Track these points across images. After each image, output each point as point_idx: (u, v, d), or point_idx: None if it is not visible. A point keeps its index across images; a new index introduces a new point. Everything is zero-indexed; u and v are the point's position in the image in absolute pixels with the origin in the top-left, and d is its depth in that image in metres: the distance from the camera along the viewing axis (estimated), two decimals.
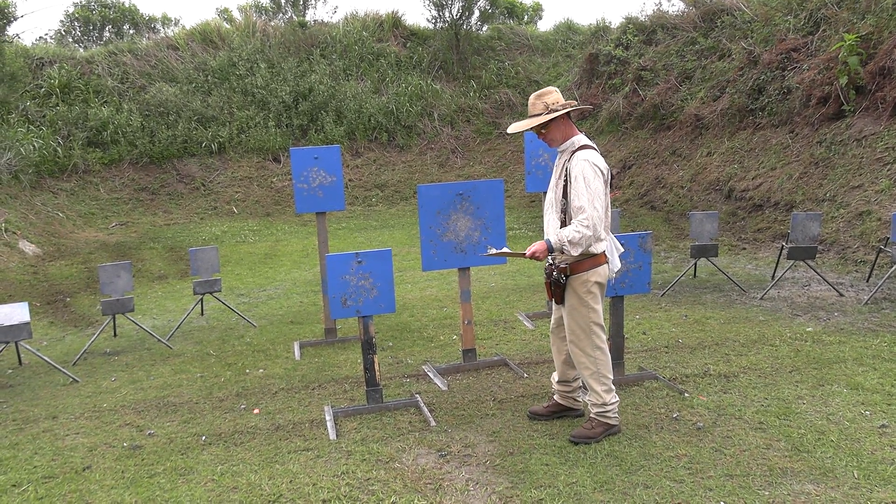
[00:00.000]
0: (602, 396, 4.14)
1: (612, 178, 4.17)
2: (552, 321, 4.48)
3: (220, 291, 7.69)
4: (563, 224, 4.03)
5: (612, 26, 18.12)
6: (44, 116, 15.93)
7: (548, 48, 20.05)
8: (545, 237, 4.09)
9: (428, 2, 19.57)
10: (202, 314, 8.21)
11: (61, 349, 7.12)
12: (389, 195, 15.98)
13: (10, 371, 6.54)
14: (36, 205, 13.62)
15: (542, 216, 4.30)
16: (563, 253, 3.97)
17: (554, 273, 4.07)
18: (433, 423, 4.59)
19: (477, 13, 20.08)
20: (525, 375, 5.42)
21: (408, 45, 19.79)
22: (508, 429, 4.44)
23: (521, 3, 24.00)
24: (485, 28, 20.57)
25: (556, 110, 4.00)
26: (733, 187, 11.07)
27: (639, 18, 16.46)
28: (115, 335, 7.51)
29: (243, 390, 5.52)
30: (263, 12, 21.48)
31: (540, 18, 25.00)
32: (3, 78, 15.41)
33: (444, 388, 5.27)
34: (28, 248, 11.37)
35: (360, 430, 4.57)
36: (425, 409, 4.78)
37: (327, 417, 4.77)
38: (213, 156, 16.53)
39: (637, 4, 41.33)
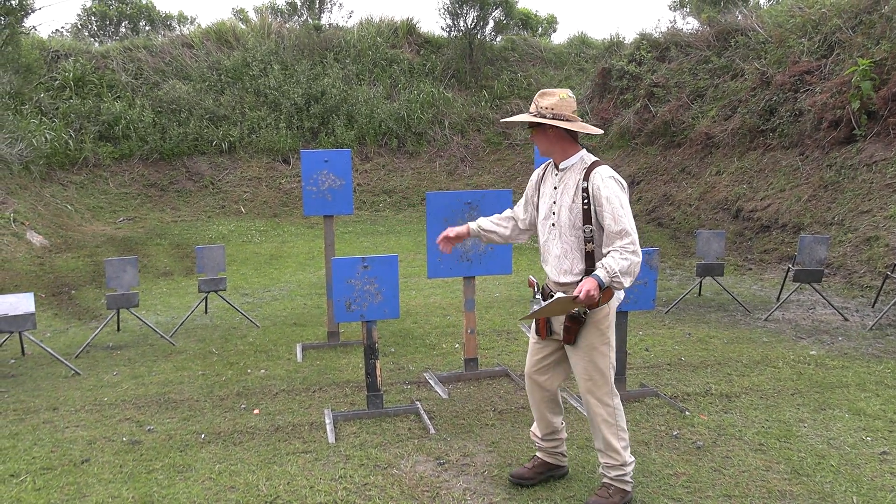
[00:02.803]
0: (622, 455, 3.51)
1: None
2: (532, 362, 3.76)
3: (224, 290, 7.71)
4: (591, 255, 3.41)
5: (625, 42, 18.17)
6: (57, 109, 16.01)
7: (561, 61, 20.09)
8: (554, 262, 3.53)
9: (443, 10, 19.65)
10: (206, 312, 8.23)
11: (64, 341, 7.14)
12: (397, 201, 16.01)
13: (13, 361, 6.56)
14: (45, 196, 13.68)
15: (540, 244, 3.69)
16: (615, 289, 3.34)
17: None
18: (432, 431, 4.59)
19: (492, 23, 20.14)
20: None
21: (421, 53, 19.85)
22: (508, 440, 4.44)
23: (535, 15, 24.07)
24: (499, 38, 20.63)
25: (544, 116, 3.41)
26: (741, 207, 11.06)
27: (653, 35, 16.49)
28: (118, 329, 7.53)
29: (244, 390, 5.53)
30: (279, 14, 21.58)
31: (554, 31, 25.07)
32: (19, 69, 15.49)
33: (445, 397, 5.27)
34: (36, 239, 11.41)
35: (360, 435, 4.57)
36: (425, 417, 4.78)
37: (327, 420, 4.77)
38: (223, 155, 16.58)
39: (651, 21, 41.43)
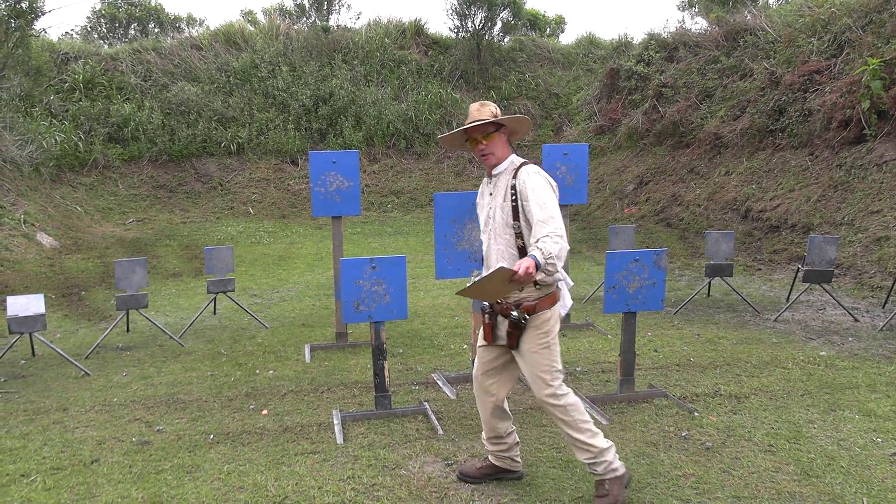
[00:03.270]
0: (593, 445, 3.51)
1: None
2: (479, 366, 3.78)
3: (233, 291, 7.73)
4: (523, 250, 3.49)
5: (634, 42, 18.13)
6: (66, 111, 16.10)
7: (569, 61, 20.07)
8: (495, 265, 3.54)
9: (451, 11, 19.66)
10: (215, 313, 8.25)
11: (74, 342, 7.18)
12: (405, 202, 16.02)
13: (23, 362, 6.60)
14: (55, 198, 13.75)
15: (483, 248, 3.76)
16: (547, 273, 3.27)
17: (513, 312, 3.46)
18: (440, 432, 4.58)
19: (499, 24, 20.14)
20: None
21: (429, 54, 19.86)
22: None
23: (543, 16, 24.05)
24: (507, 39, 20.62)
25: (501, 121, 3.60)
26: (750, 207, 11.02)
27: (661, 35, 16.45)
28: (127, 330, 7.56)
29: (253, 391, 5.54)
30: (287, 15, 21.63)
31: (562, 31, 25.04)
32: (29, 72, 15.59)
33: (453, 397, 5.27)
34: (46, 240, 11.47)
35: (368, 436, 4.57)
36: (433, 417, 4.78)
37: (335, 421, 4.78)
38: (231, 156, 16.63)
39: (660, 21, 41.33)
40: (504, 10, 19.78)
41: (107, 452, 4.45)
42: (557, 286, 3.59)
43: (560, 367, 3.56)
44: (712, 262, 7.78)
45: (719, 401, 5.02)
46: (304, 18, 21.45)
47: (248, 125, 17.02)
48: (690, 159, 13.42)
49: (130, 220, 14.27)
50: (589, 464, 3.56)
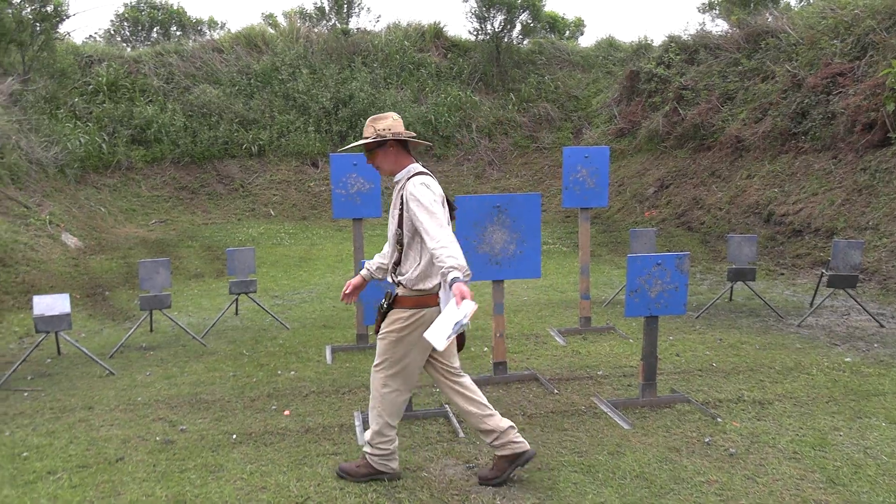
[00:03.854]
0: (370, 436, 3.92)
1: (451, 209, 3.90)
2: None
3: (255, 292, 7.78)
4: (401, 256, 3.78)
5: (654, 44, 18.05)
6: (90, 113, 16.27)
7: (588, 64, 20.02)
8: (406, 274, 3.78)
9: (470, 14, 19.69)
10: (237, 314, 8.31)
11: (99, 341, 7.26)
12: None
13: (49, 360, 6.68)
14: (79, 199, 13.90)
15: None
16: (418, 297, 3.71)
17: (384, 302, 3.86)
18: (462, 435, 4.59)
19: (519, 27, 20.13)
20: (556, 391, 5.40)
21: (448, 56, 19.89)
22: (537, 444, 4.42)
23: (563, 18, 24.01)
24: (526, 42, 20.61)
25: (384, 136, 3.72)
26: (773, 211, 10.93)
27: (681, 37, 16.37)
28: (151, 330, 7.63)
29: (274, 391, 5.57)
30: (307, 18, 21.73)
31: (581, 34, 24.99)
32: (54, 74, 15.81)
33: None
34: (70, 240, 11.61)
35: None
36: (454, 420, 4.78)
37: (357, 423, 4.80)
38: (252, 158, 16.75)
39: (680, 23, 41.12)
40: (523, 12, 19.79)
41: (131, 451, 4.50)
42: (436, 291, 3.76)
43: (401, 375, 3.83)
44: (734, 267, 7.73)
45: (742, 406, 4.99)
46: (324, 21, 21.55)
47: (268, 127, 17.13)
48: (712, 162, 13.34)
49: (153, 221, 14.41)
50: (363, 441, 4.00)
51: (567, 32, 23.97)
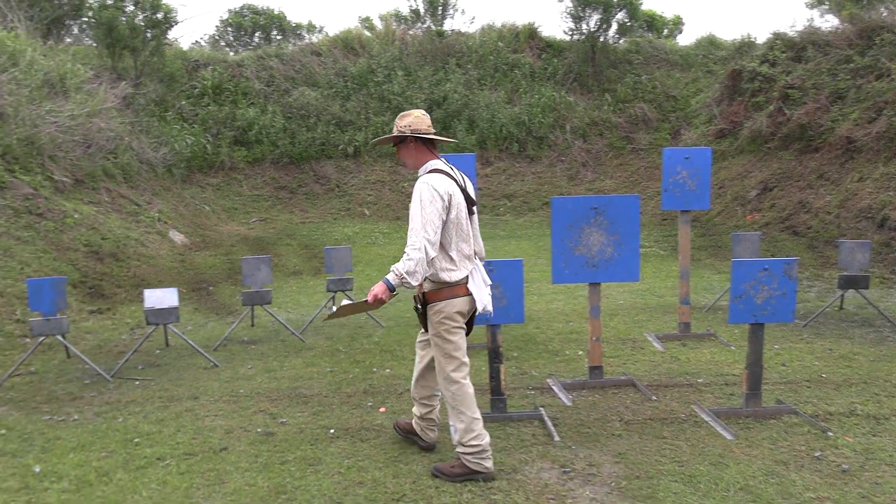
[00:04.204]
0: (460, 435, 3.98)
1: (471, 204, 4.04)
2: (419, 336, 4.39)
3: (351, 290, 7.92)
4: None
5: (757, 42, 17.38)
6: (196, 115, 16.98)
7: (687, 63, 19.46)
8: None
9: (565, 14, 19.46)
10: (334, 310, 8.47)
11: (204, 334, 7.55)
12: (517, 205, 15.98)
13: (158, 351, 7.00)
14: (185, 197, 14.53)
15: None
16: (408, 287, 3.77)
17: (417, 305, 4.02)
18: (557, 438, 4.53)
19: (615, 26, 19.77)
20: (654, 398, 5.27)
21: (543, 57, 19.74)
22: (635, 451, 4.32)
23: (661, 17, 23.42)
24: (622, 41, 20.22)
25: (404, 133, 3.94)
26: (888, 216, 10.33)
27: (787, 34, 15.68)
28: (252, 325, 7.89)
29: (370, 388, 5.66)
30: (403, 21, 22.02)
31: (680, 32, 24.31)
32: (163, 78, 16.58)
33: (569, 404, 5.20)
34: (177, 237, 12.14)
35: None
36: (549, 423, 4.73)
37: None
38: (348, 159, 17.09)
39: (786, 20, 39.48)
40: (620, 11, 19.41)
41: (234, 441, 4.65)
42: (467, 285, 3.95)
43: (456, 356, 3.96)
44: (846, 274, 7.34)
45: (856, 421, 4.73)
46: (419, 24, 21.77)
47: (364, 129, 17.43)
48: (819, 164, 12.72)
49: (254, 219, 14.90)
50: (454, 441, 4.04)
51: (665, 31, 23.36)
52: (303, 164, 16.85)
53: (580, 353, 6.51)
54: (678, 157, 6.88)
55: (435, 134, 4.06)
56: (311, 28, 25.90)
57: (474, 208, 4.11)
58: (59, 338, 6.34)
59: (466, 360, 4.02)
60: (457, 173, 4.07)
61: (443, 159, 4.07)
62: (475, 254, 4.09)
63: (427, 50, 19.31)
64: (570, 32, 19.67)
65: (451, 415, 4.02)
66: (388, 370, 6.14)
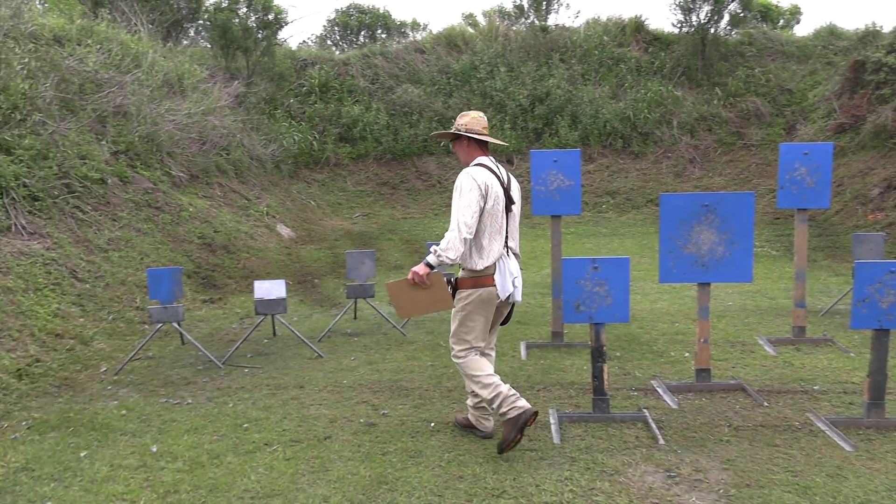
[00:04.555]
0: (480, 393, 4.24)
1: (508, 198, 4.31)
2: None
3: (373, 297, 7.86)
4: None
5: (883, 30, 16.35)
6: (303, 113, 17.48)
7: (805, 54, 18.52)
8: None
9: (674, 6, 18.87)
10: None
11: (309, 326, 7.76)
12: (620, 203, 15.65)
13: (266, 341, 7.24)
14: (292, 192, 14.99)
15: None
16: (452, 264, 4.16)
17: (451, 280, 4.32)
18: (661, 441, 4.41)
19: (727, 17, 19.03)
20: (765, 404, 5.04)
21: (649, 50, 19.24)
22: (745, 458, 4.15)
23: (776, 7, 22.37)
24: (734, 33, 19.44)
25: (459, 131, 4.34)
26: None
27: None
28: (355, 318, 8.05)
29: None
30: (507, 17, 21.92)
31: (797, 22, 23.14)
32: (273, 77, 17.16)
33: (675, 407, 5.04)
34: (284, 231, 12.54)
35: (585, 438, 4.50)
36: (653, 426, 4.60)
37: (552, 420, 4.75)
38: (450, 155, 17.18)
39: None
40: (732, 2, 18.67)
41: (338, 430, 4.75)
42: (493, 275, 4.22)
43: (467, 339, 4.28)
44: None
45: None
46: (523, 19, 21.62)
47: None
48: None
49: (357, 214, 15.21)
50: (484, 404, 4.44)
51: (781, 21, 22.30)
52: (405, 161, 17.06)
53: (686, 354, 6.31)
54: (796, 153, 6.55)
55: (489, 136, 4.42)
56: (415, 26, 26.17)
57: (513, 207, 4.39)
58: (175, 325, 6.65)
59: (479, 344, 4.32)
60: (502, 171, 4.40)
61: (491, 158, 4.41)
62: (509, 249, 4.35)
63: (530, 45, 19.17)
64: (679, 25, 19.07)
65: (468, 382, 4.35)
66: None
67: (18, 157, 7.96)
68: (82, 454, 4.45)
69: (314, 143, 16.68)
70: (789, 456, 4.17)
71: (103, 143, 9.81)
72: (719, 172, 16.00)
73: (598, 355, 4.74)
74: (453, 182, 14.99)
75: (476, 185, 4.14)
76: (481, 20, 21.88)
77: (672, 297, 8.64)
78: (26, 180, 7.86)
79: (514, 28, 20.47)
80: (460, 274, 4.31)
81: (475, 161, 4.36)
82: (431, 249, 4.13)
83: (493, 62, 18.59)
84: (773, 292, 8.79)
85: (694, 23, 18.73)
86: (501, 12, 21.94)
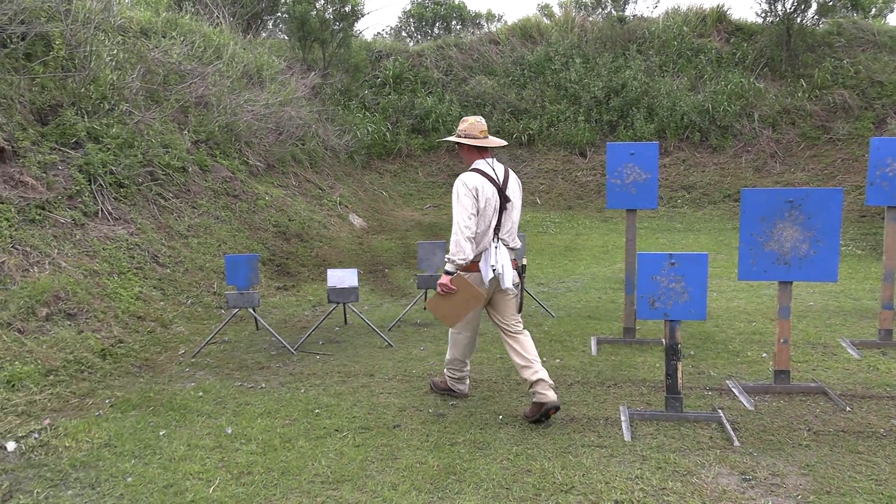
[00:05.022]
0: (448, 361, 5.11)
1: (504, 200, 4.62)
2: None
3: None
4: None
5: None
6: (377, 104, 17.65)
7: None
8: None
9: None
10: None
11: (379, 315, 7.83)
12: (696, 198, 15.27)
13: (338, 328, 7.35)
14: (365, 183, 15.16)
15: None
16: (460, 264, 4.54)
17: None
18: (737, 443, 4.28)
19: (814, 6, 18.29)
20: (848, 408, 4.84)
21: (731, 41, 18.67)
22: (825, 464, 3.99)
23: None
24: (822, 22, 18.69)
25: (460, 137, 4.73)
26: None
27: None
28: (424, 308, 8.08)
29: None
30: (583, 7, 21.61)
31: (891, 11, 22.07)
32: (348, 69, 17.37)
33: (751, 408, 4.89)
34: (356, 221, 12.70)
35: (657, 437, 4.41)
36: (728, 427, 4.47)
37: (623, 417, 4.67)
38: (522, 147, 17.08)
39: None
40: None
41: (407, 419, 4.79)
42: (477, 261, 4.65)
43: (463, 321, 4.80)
44: None
45: None
46: (600, 10, 21.29)
47: (539, 117, 17.33)
48: None
49: (427, 205, 15.29)
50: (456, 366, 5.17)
51: (873, 10, 21.32)
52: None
53: (763, 355, 6.11)
54: (889, 148, 6.26)
55: (485, 140, 4.76)
56: (490, 17, 26.09)
57: (508, 204, 4.68)
58: (251, 311, 6.81)
59: (468, 329, 4.92)
60: (498, 172, 4.70)
61: (488, 161, 4.74)
62: (500, 240, 4.65)
63: (607, 36, 18.87)
64: (764, 14, 18.44)
65: (449, 350, 5.07)
66: (557, 360, 6.07)
67: (106, 145, 8.28)
68: (161, 433, 4.61)
69: (387, 134, 16.83)
70: (873, 464, 4.00)
71: (185, 132, 10.12)
72: (802, 168, 15.43)
73: (672, 353, 4.64)
74: (525, 174, 14.92)
75: (468, 189, 4.54)
76: (557, 11, 21.65)
77: (749, 296, 8.38)
78: (113, 168, 8.17)
79: (590, 19, 20.18)
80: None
81: (473, 165, 4.74)
82: (445, 258, 4.56)
83: (568, 53, 18.37)
84: (858, 293, 8.44)
85: (780, 12, 18.08)
86: (578, 3, 21.65)
